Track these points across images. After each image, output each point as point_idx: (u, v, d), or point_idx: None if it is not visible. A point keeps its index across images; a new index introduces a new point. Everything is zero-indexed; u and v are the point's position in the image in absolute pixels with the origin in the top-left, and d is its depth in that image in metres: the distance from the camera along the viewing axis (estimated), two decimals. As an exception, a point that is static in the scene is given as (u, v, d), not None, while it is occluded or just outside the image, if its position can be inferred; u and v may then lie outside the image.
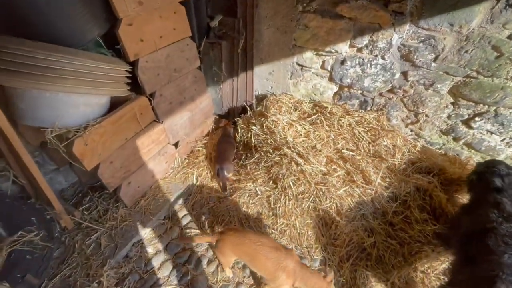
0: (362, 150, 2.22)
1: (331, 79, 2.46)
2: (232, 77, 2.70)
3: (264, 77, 2.82)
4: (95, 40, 1.67)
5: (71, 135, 1.59)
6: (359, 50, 2.19)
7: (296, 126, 2.24)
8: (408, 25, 1.91)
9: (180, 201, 2.34)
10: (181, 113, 2.40)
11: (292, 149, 2.08)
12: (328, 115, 2.40)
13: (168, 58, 2.11)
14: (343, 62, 2.29)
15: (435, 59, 1.94)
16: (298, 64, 2.54)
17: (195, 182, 2.41)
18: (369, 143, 2.23)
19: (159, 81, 2.09)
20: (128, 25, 1.74)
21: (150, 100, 2.07)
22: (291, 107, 2.57)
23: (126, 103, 1.89)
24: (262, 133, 2.25)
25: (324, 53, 2.34)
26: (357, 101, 2.46)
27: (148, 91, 2.03)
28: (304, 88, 2.66)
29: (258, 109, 2.53)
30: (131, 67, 1.86)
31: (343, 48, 2.21)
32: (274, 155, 2.13)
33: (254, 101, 2.92)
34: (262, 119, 2.34)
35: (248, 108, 2.72)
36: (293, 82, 2.68)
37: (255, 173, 2.29)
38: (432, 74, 2.01)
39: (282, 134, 2.15)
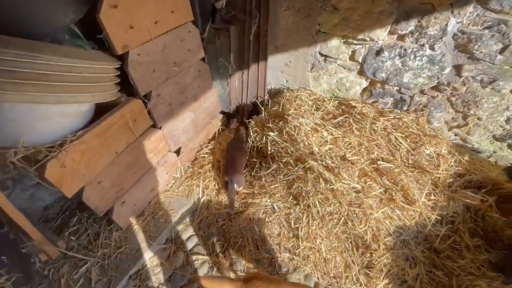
0: (399, 160, 1.87)
1: (361, 72, 2.05)
2: (242, 69, 2.29)
3: (278, 69, 2.41)
4: (68, 28, 1.25)
5: (42, 156, 1.22)
6: (401, 37, 1.77)
7: (321, 132, 1.87)
8: (472, 6, 1.49)
9: (185, 219, 2.01)
10: (182, 115, 2.02)
11: (319, 161, 1.72)
12: (358, 117, 2.02)
13: (166, 49, 1.70)
14: (378, 52, 1.88)
15: (502, 51, 1.54)
16: (321, 54, 2.12)
17: (201, 196, 2.07)
18: (408, 151, 1.87)
19: (155, 79, 1.69)
20: (113, 6, 1.32)
21: (144, 102, 1.68)
22: (312, 106, 2.19)
23: (114, 109, 1.51)
24: (281, 140, 1.88)
25: (355, 42, 1.92)
26: (392, 99, 2.07)
27: (142, 92, 1.63)
28: (326, 82, 2.26)
29: (274, 108, 2.14)
30: (119, 63, 1.46)
31: (381, 35, 1.80)
32: (296, 168, 1.78)
33: (266, 97, 2.53)
34: (281, 123, 1.96)
35: (260, 105, 2.33)
36: (314, 76, 2.27)
37: (272, 186, 1.95)
38: (495, 69, 1.62)
39: (306, 143, 1.79)
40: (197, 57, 1.98)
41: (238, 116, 2.52)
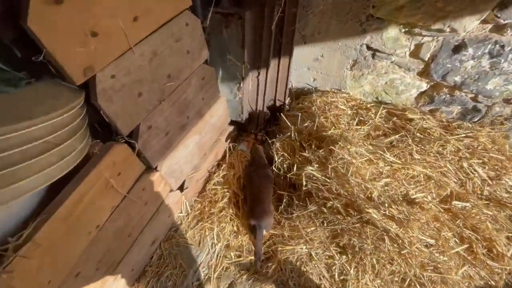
0: (471, 190, 1.45)
1: (423, 73, 1.52)
2: (258, 68, 1.70)
3: (304, 65, 1.83)
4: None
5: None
6: (499, 29, 1.23)
7: (377, 162, 1.40)
8: None
9: (199, 273, 1.59)
10: (185, 142, 1.48)
11: (382, 210, 1.27)
12: (418, 135, 1.54)
13: (156, 58, 1.10)
14: (458, 48, 1.34)
15: None
16: (370, 48, 1.55)
17: (216, 242, 1.63)
18: (483, 180, 1.45)
19: (143, 106, 1.12)
20: (53, 2, 0.71)
21: (130, 143, 1.12)
22: (354, 117, 1.67)
23: (85, 169, 0.96)
24: (323, 177, 1.39)
25: (424, 32, 1.36)
26: (459, 107, 1.58)
27: (125, 130, 1.07)
28: (370, 84, 1.72)
29: (306, 124, 1.61)
30: (82, 95, 0.88)
31: (469, 26, 1.24)
32: (348, 219, 1.33)
33: (288, 101, 1.97)
34: (321, 152, 1.44)
35: (284, 117, 1.78)
36: (354, 75, 1.72)
37: (308, 230, 1.52)
38: None
39: (363, 186, 1.31)
40: (199, 60, 1.38)
41: (251, 126, 1.98)
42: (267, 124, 2.01)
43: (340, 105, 1.73)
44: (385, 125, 1.62)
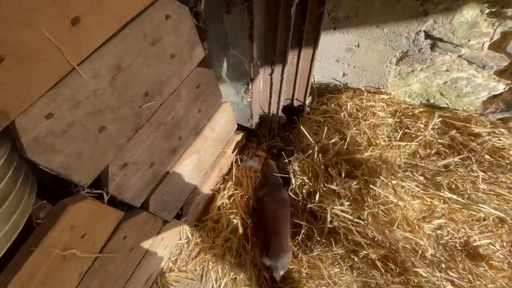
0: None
1: (505, 72, 1.08)
2: (272, 64, 1.29)
3: (332, 56, 1.40)
4: None
5: None
6: None
7: (430, 202, 1.04)
8: None
9: (202, 312, 1.39)
10: (178, 167, 1.17)
11: (437, 273, 0.94)
12: (487, 157, 1.14)
13: (121, 75, 0.75)
14: None
15: None
16: (429, 36, 1.10)
17: (220, 276, 1.39)
18: None
19: (108, 142, 0.80)
20: None
21: (97, 194, 0.83)
22: (396, 127, 1.28)
23: (23, 249, 0.68)
24: (356, 219, 1.06)
25: (523, 15, 0.90)
26: (549, 118, 1.15)
27: (85, 181, 0.77)
28: (422, 83, 1.29)
29: (333, 141, 1.24)
30: (7, 139, 0.58)
31: None
32: (387, 276, 1.02)
33: (308, 101, 1.57)
34: (354, 184, 1.09)
35: (303, 129, 1.39)
36: (400, 71, 1.29)
37: (332, 272, 1.25)
38: None
39: (413, 243, 0.97)
40: (191, 63, 1.00)
41: (263, 132, 1.62)
42: (281, 129, 1.65)
43: (379, 110, 1.33)
44: (439, 140, 1.23)
